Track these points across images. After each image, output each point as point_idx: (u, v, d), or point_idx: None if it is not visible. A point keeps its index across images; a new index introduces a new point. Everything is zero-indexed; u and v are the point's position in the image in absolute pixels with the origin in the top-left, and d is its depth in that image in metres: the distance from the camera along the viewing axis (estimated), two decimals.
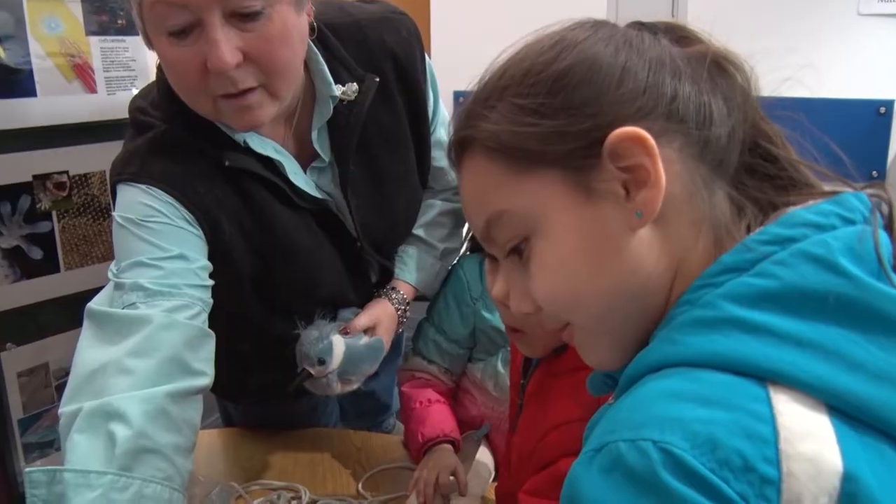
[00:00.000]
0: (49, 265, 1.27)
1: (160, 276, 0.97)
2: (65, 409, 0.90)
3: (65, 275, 1.29)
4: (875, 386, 0.44)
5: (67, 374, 1.30)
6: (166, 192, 1.01)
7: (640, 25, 0.59)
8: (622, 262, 0.54)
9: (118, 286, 0.98)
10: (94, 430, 0.85)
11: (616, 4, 4.06)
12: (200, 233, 1.04)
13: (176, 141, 1.04)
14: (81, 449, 0.84)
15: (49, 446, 1.32)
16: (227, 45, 0.89)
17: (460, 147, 0.60)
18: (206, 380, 0.97)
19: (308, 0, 0.99)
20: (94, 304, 0.99)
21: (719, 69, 0.58)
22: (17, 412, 1.27)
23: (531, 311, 0.59)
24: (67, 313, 1.30)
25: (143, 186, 1.01)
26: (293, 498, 1.23)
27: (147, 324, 0.92)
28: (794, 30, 3.87)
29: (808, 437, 0.43)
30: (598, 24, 0.58)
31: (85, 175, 1.30)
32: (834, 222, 0.50)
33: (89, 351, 0.93)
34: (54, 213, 1.27)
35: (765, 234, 0.50)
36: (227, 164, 1.04)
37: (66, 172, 1.27)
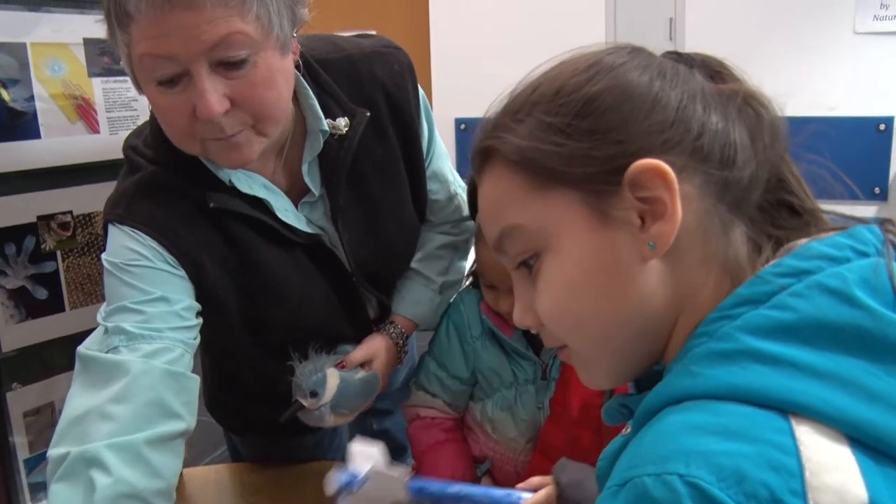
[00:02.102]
0: (54, 305, 1.28)
1: (142, 320, 1.00)
2: (50, 453, 0.93)
3: (70, 314, 1.30)
4: (886, 415, 0.45)
5: None
6: (149, 235, 1.03)
7: (677, 56, 0.60)
8: (628, 290, 0.55)
9: (105, 330, 1.01)
10: (74, 477, 0.89)
11: (614, 12, 4.10)
12: (184, 273, 1.05)
13: (162, 183, 1.06)
14: (62, 497, 0.88)
15: None
16: (214, 94, 0.91)
17: (483, 156, 0.61)
18: (186, 424, 0.99)
19: (293, 39, 1.01)
20: (84, 346, 1.02)
21: (750, 109, 0.58)
22: (22, 452, 1.27)
23: (533, 326, 0.60)
24: (73, 352, 1.28)
25: (128, 229, 1.03)
26: None
27: (127, 371, 0.95)
28: (790, 48, 3.90)
29: (833, 468, 0.43)
30: (635, 51, 0.59)
31: (88, 214, 1.31)
32: (848, 255, 0.51)
33: (76, 396, 0.97)
34: (59, 253, 1.28)
35: (780, 267, 0.51)
36: (211, 205, 1.05)
37: (70, 212, 1.29)
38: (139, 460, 0.91)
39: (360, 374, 1.22)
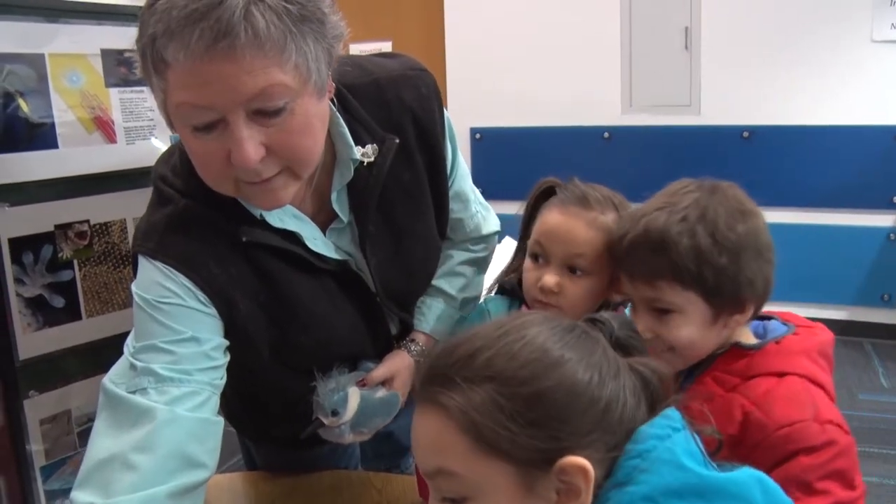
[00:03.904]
0: (71, 313, 1.29)
1: (171, 360, 0.99)
2: (74, 496, 0.93)
3: (86, 322, 1.31)
4: None
5: (90, 420, 1.33)
6: (181, 272, 1.02)
7: (593, 324, 0.73)
8: None
9: (132, 366, 1.00)
10: None
11: (630, 22, 4.10)
12: (215, 312, 1.05)
13: (194, 217, 1.05)
14: None
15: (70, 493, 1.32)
16: (250, 142, 0.91)
17: (431, 401, 0.68)
18: (208, 472, 0.99)
19: (329, 79, 1.00)
20: (110, 380, 1.01)
21: (642, 379, 0.71)
22: (39, 459, 1.28)
23: None
24: (89, 360, 1.31)
25: (160, 265, 1.03)
26: None
27: (153, 418, 0.94)
28: (807, 56, 3.88)
29: None
30: (578, 345, 0.69)
31: (105, 224, 1.32)
32: (668, 432, 0.66)
33: (101, 435, 0.96)
34: (76, 262, 1.29)
35: (627, 454, 0.66)
36: (244, 239, 1.05)
37: (87, 221, 1.30)
38: None
39: (381, 392, 1.22)
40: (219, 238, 1.04)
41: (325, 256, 1.12)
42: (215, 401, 1.02)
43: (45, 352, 1.27)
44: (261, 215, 1.06)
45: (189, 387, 0.98)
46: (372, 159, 1.10)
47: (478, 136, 4.25)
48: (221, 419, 1.02)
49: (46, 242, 1.25)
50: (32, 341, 1.25)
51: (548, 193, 1.26)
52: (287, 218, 1.08)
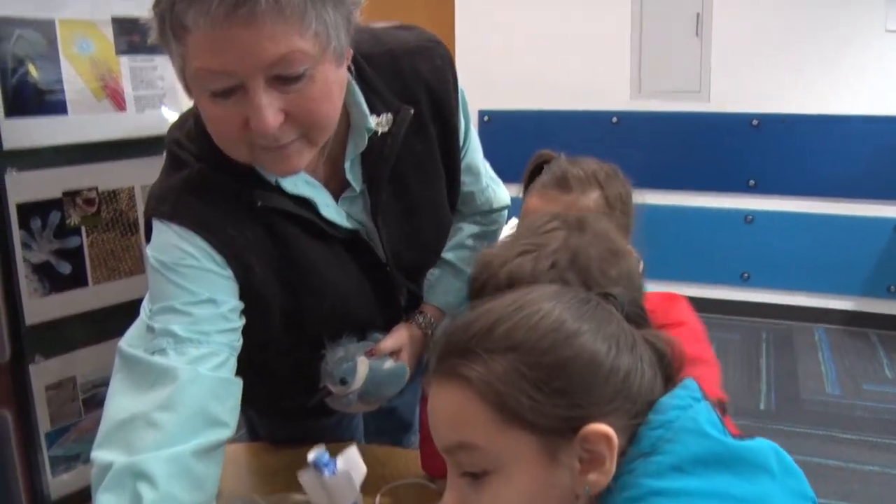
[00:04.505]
0: (77, 280, 1.29)
1: (189, 322, 1.00)
2: (96, 455, 0.93)
3: (93, 289, 1.31)
4: None
5: (95, 387, 1.34)
6: (198, 234, 1.03)
7: (607, 299, 0.72)
8: None
9: (149, 328, 1.01)
10: (122, 489, 0.89)
11: (641, 7, 4.07)
12: (231, 274, 1.05)
13: (209, 181, 1.05)
14: None
15: (76, 459, 1.33)
16: (269, 108, 0.91)
17: (449, 374, 0.68)
18: (230, 431, 1.00)
19: (348, 47, 1.00)
20: (126, 344, 1.01)
21: (657, 351, 0.71)
22: (44, 425, 1.28)
23: None
24: (95, 327, 1.32)
25: (176, 227, 1.03)
26: None
27: (175, 378, 0.95)
28: (819, 45, 3.85)
29: None
30: (594, 316, 0.69)
31: (114, 191, 1.32)
32: (690, 402, 0.67)
33: (120, 397, 0.97)
34: (83, 229, 1.29)
35: (650, 424, 0.66)
36: (259, 204, 1.06)
37: (96, 189, 1.30)
38: (185, 473, 0.92)
39: (389, 363, 1.22)
40: (234, 202, 1.05)
41: (336, 224, 1.12)
42: (233, 362, 1.02)
43: (52, 317, 1.27)
44: (275, 181, 1.06)
45: (208, 347, 0.99)
46: (386, 129, 1.10)
47: (486, 118, 4.23)
48: (240, 380, 1.03)
49: (54, 208, 1.25)
50: (39, 307, 1.25)
51: (541, 170, 1.25)
52: (301, 184, 1.09)
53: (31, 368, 1.25)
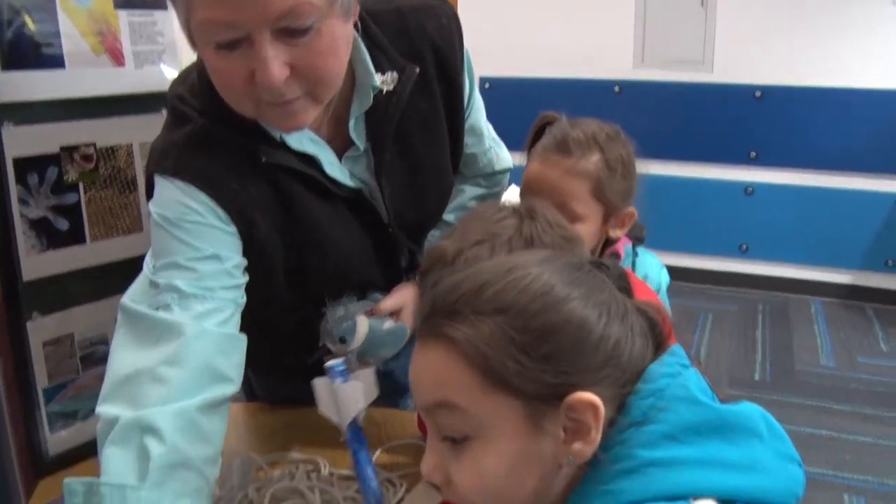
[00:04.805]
0: (75, 236, 1.28)
1: (194, 278, 0.99)
2: (101, 409, 0.94)
3: (91, 246, 1.30)
4: (745, 476, 0.62)
5: (92, 344, 1.33)
6: (201, 190, 1.02)
7: (599, 267, 0.71)
8: (541, 482, 0.65)
9: (153, 284, 1.00)
10: (128, 443, 0.89)
11: None
12: (234, 230, 1.05)
13: (213, 136, 1.05)
14: (116, 462, 0.89)
15: (73, 416, 1.33)
16: (275, 61, 0.90)
17: (435, 335, 0.66)
18: (235, 386, 1.01)
19: (355, 2, 0.99)
20: (129, 300, 1.01)
21: (649, 320, 0.70)
22: (41, 381, 1.28)
23: (440, 483, 0.69)
24: (93, 284, 1.31)
25: (180, 183, 1.02)
26: (312, 471, 1.24)
27: (180, 333, 0.95)
28: (824, 17, 3.82)
29: None
30: (586, 282, 0.67)
31: (112, 148, 1.30)
32: (678, 370, 0.66)
33: (124, 352, 0.97)
34: (81, 185, 1.28)
35: (640, 393, 0.65)
36: (263, 160, 1.05)
37: (94, 145, 1.28)
38: (192, 427, 0.92)
39: (389, 323, 1.22)
40: (238, 158, 1.04)
41: (340, 183, 1.12)
42: (238, 318, 1.02)
43: (49, 274, 1.26)
44: (280, 137, 1.06)
45: (213, 303, 0.99)
46: (391, 88, 1.10)
47: (487, 85, 4.20)
48: (245, 336, 1.03)
49: (52, 164, 1.24)
50: (36, 263, 1.24)
51: (545, 132, 1.25)
52: (305, 141, 1.08)
53: (29, 325, 1.25)
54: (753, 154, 4.04)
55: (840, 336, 3.70)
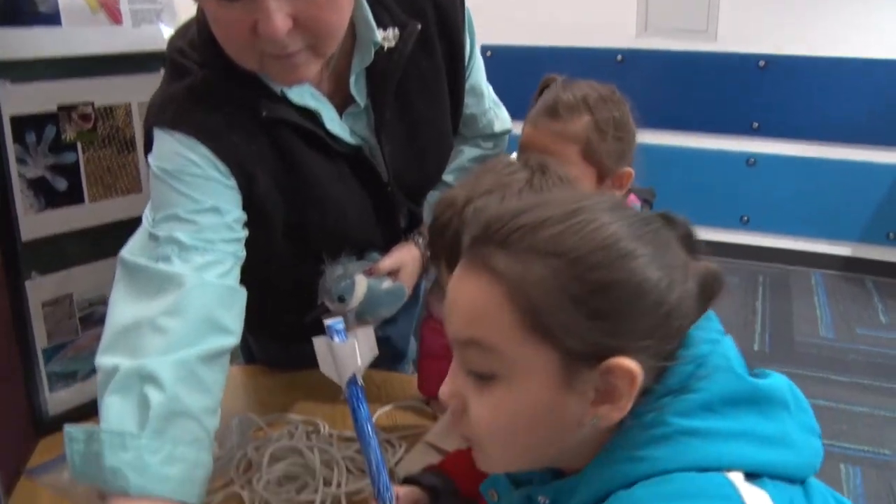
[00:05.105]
0: (73, 196, 1.27)
1: (194, 230, 0.99)
2: (101, 360, 0.94)
3: (90, 206, 1.29)
4: (775, 450, 0.61)
5: (91, 305, 1.33)
6: (201, 142, 1.02)
7: (667, 222, 0.66)
8: (555, 436, 0.63)
9: (153, 237, 1.00)
10: (128, 391, 0.90)
11: None
12: (234, 184, 1.05)
13: (213, 89, 1.04)
14: (116, 410, 0.89)
15: (72, 377, 1.33)
16: (279, 13, 0.90)
17: (479, 260, 0.62)
18: (235, 338, 1.00)
19: None
20: (128, 253, 1.01)
21: (710, 291, 0.65)
22: (41, 341, 1.28)
23: (455, 409, 0.66)
24: (92, 245, 1.30)
25: (180, 135, 1.02)
26: (312, 431, 1.24)
27: (181, 284, 0.95)
28: None
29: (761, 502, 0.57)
30: (653, 241, 0.62)
31: (110, 107, 1.29)
32: (717, 336, 0.64)
33: (123, 305, 0.97)
34: (79, 145, 1.27)
35: (680, 360, 0.62)
36: (264, 114, 1.05)
37: (92, 104, 1.27)
38: (192, 377, 0.92)
39: (387, 283, 1.22)
40: (238, 111, 1.04)
41: (340, 139, 1.11)
42: (237, 271, 1.02)
43: (48, 234, 1.25)
44: (281, 91, 1.05)
45: (213, 255, 0.99)
46: (393, 44, 1.09)
47: (489, 53, 4.16)
48: (244, 289, 1.03)
49: (49, 123, 1.22)
50: (35, 222, 1.23)
51: None
52: (307, 96, 1.08)
53: (28, 284, 1.24)
54: (756, 125, 4.02)
55: (839, 308, 3.70)
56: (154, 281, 0.96)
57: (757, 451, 0.60)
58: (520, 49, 4.21)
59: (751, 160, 4.08)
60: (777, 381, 0.65)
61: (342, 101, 1.14)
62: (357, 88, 1.12)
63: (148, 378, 0.89)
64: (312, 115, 1.09)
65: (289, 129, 1.08)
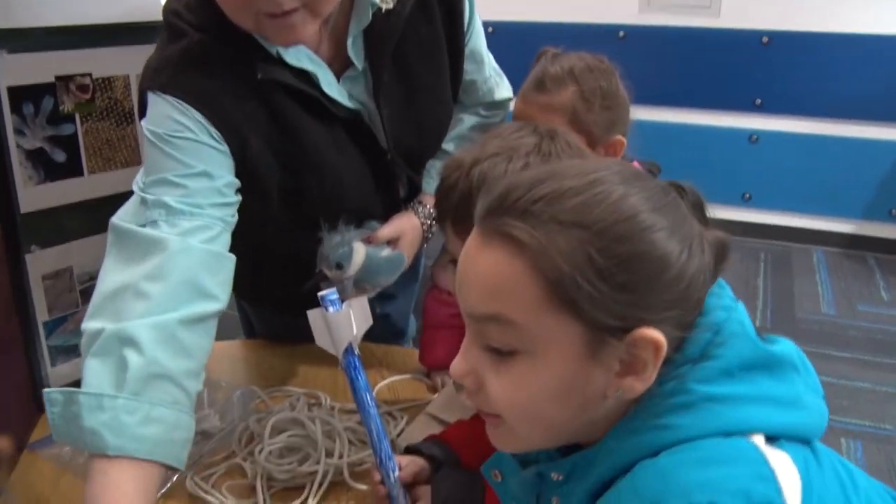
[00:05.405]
0: (72, 169, 1.26)
1: (183, 194, 0.99)
2: (86, 325, 0.94)
3: (89, 179, 1.28)
4: (791, 412, 0.62)
5: (91, 279, 1.32)
6: (194, 107, 1.01)
7: (680, 191, 0.65)
8: (581, 410, 0.62)
9: (143, 201, 1.00)
10: (108, 354, 0.90)
11: None
12: (226, 149, 1.04)
13: (208, 52, 1.04)
14: (95, 372, 0.90)
15: (73, 351, 1.33)
16: None
17: (499, 231, 0.59)
18: (220, 304, 0.99)
19: None
20: (118, 218, 1.01)
21: (722, 259, 0.65)
22: (42, 315, 1.28)
23: (468, 387, 0.64)
24: (91, 218, 1.29)
25: (172, 99, 1.01)
26: (313, 403, 1.24)
27: (164, 248, 0.95)
28: None
29: (786, 467, 0.58)
30: (671, 212, 0.61)
31: (108, 78, 1.28)
32: (731, 303, 0.64)
33: (111, 270, 0.97)
34: (77, 116, 1.26)
35: (698, 328, 0.62)
36: (259, 76, 1.04)
37: (90, 75, 1.26)
38: (172, 340, 0.92)
39: (386, 251, 1.22)
40: (233, 74, 1.03)
41: (338, 102, 1.11)
42: (226, 238, 1.02)
43: (47, 206, 1.24)
44: (277, 53, 1.04)
45: (201, 220, 0.98)
46: (391, 6, 1.09)
47: (490, 29, 4.14)
48: (233, 256, 1.02)
49: (47, 94, 1.21)
50: (34, 195, 1.22)
51: None
52: (304, 59, 1.07)
53: (28, 258, 1.24)
54: (759, 101, 3.99)
55: (841, 285, 3.70)
56: (141, 245, 0.96)
57: (775, 415, 0.61)
58: (521, 25, 4.17)
59: (753, 137, 4.06)
60: (786, 345, 0.65)
61: (341, 66, 1.13)
62: (355, 50, 1.11)
63: (127, 341, 0.90)
64: (309, 78, 1.08)
65: (284, 92, 1.07)
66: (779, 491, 0.55)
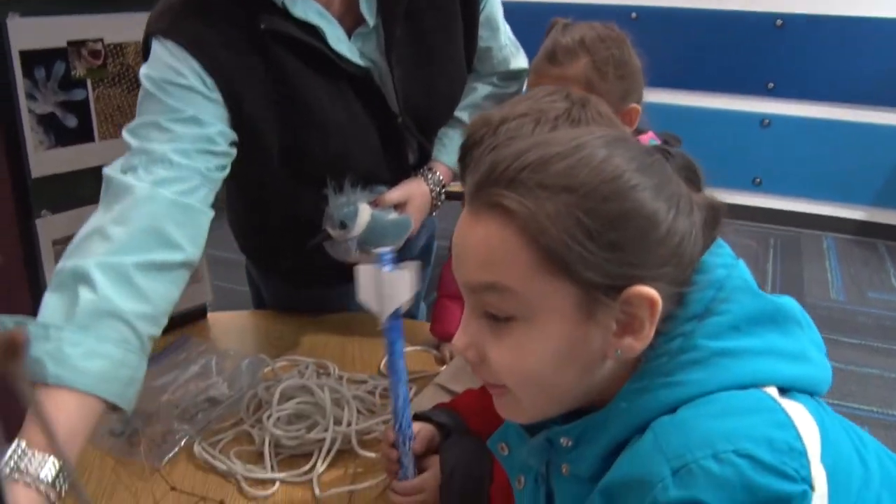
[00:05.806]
0: (83, 134, 1.26)
1: (169, 139, 0.99)
2: (57, 266, 0.95)
3: (100, 144, 1.28)
4: (798, 365, 0.62)
5: None
6: (191, 55, 1.02)
7: (667, 155, 0.65)
8: (583, 372, 0.62)
9: (128, 146, 1.01)
10: (63, 289, 0.91)
11: None
12: (219, 98, 1.04)
13: (212, 2, 1.03)
14: (49, 305, 0.90)
15: None
16: None
17: (489, 203, 0.60)
18: (185, 255, 0.99)
19: None
20: (107, 167, 1.02)
21: (715, 220, 0.66)
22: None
23: (472, 361, 0.65)
24: (101, 184, 1.29)
25: (170, 44, 1.02)
26: (322, 373, 1.24)
27: (131, 193, 0.96)
28: None
29: (802, 415, 0.58)
30: (656, 172, 0.62)
31: (120, 45, 1.27)
32: (731, 260, 0.65)
33: (92, 217, 0.98)
34: (89, 82, 1.25)
35: (698, 285, 0.62)
36: (262, 27, 1.03)
37: (101, 40, 1.25)
38: (126, 282, 0.92)
39: (393, 215, 1.21)
40: (236, 26, 1.03)
41: (347, 59, 1.09)
42: (205, 193, 1.02)
43: (58, 171, 1.24)
44: (283, 4, 1.04)
45: (178, 172, 0.98)
46: None
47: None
48: (209, 211, 1.02)
49: (59, 58, 1.21)
50: (44, 159, 1.22)
51: None
52: (311, 13, 1.06)
53: (38, 222, 1.24)
54: (771, 85, 3.97)
55: (851, 271, 3.68)
56: (117, 192, 0.97)
57: (785, 367, 0.61)
58: (534, 5, 4.14)
59: (765, 121, 4.03)
60: (788, 300, 0.65)
61: (352, 23, 1.12)
62: (367, 5, 1.10)
63: (82, 277, 0.90)
64: (316, 33, 1.07)
65: (287, 48, 1.06)
66: (798, 437, 0.56)
